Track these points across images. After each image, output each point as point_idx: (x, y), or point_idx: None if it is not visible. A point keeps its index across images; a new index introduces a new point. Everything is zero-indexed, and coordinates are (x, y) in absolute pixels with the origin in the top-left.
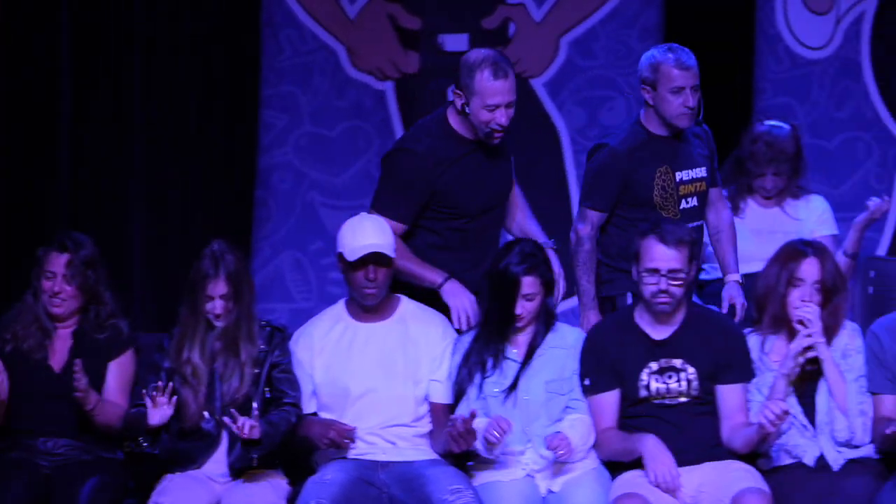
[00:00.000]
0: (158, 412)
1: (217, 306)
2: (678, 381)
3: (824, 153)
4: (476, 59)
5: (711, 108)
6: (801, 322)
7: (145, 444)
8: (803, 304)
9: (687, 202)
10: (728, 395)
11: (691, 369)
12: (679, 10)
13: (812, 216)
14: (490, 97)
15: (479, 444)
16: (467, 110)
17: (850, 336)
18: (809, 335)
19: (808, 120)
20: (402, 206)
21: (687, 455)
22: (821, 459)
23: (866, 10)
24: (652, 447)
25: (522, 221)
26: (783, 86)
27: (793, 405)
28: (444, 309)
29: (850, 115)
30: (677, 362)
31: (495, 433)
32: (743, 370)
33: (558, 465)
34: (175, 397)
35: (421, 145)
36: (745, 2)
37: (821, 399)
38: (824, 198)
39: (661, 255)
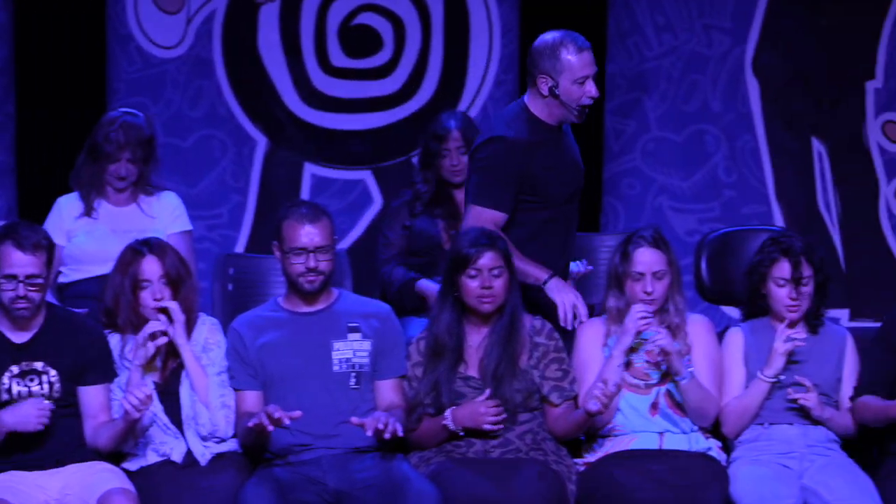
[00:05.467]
0: None
1: None
2: (40, 383)
3: (180, 152)
4: (554, 40)
5: (64, 109)
6: (162, 311)
7: None
8: (155, 303)
9: None
10: (91, 395)
11: (53, 372)
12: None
13: (165, 213)
14: (579, 70)
15: None
16: (557, 92)
17: (209, 330)
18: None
19: (163, 119)
20: (499, 194)
21: (51, 458)
22: (189, 455)
23: (217, 8)
24: None
25: None
26: (137, 85)
27: (155, 404)
28: (550, 306)
29: (205, 113)
30: (39, 365)
31: None
32: (105, 371)
33: None
34: None
35: (510, 131)
36: (94, 2)
37: (184, 394)
38: (178, 195)
39: (19, 261)
